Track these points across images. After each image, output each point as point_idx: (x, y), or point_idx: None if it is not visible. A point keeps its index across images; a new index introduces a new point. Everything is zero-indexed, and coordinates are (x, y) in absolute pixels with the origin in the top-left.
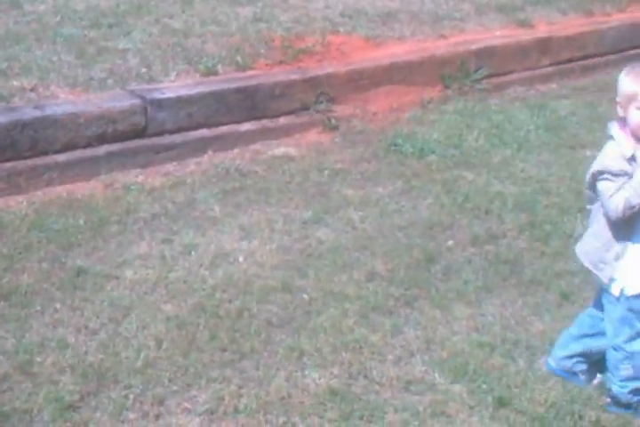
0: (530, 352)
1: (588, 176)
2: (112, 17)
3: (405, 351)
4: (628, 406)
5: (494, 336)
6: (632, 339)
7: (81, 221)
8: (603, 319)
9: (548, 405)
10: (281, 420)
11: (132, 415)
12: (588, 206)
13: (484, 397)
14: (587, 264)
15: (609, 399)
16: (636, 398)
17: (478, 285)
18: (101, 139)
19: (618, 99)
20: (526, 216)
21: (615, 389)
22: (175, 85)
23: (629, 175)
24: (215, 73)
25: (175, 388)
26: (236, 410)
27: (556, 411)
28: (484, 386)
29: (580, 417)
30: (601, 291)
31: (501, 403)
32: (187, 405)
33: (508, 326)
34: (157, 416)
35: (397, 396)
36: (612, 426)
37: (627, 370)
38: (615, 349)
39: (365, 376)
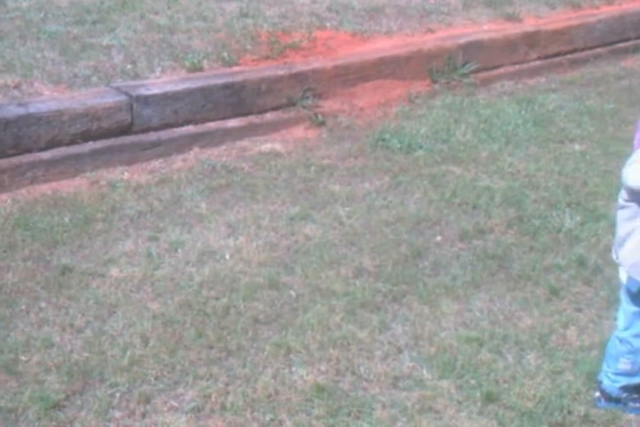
0: (518, 347)
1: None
2: (96, 13)
3: (393, 347)
4: (617, 400)
5: (482, 331)
6: None
7: (66, 219)
8: None
9: (536, 400)
10: (268, 417)
11: (117, 414)
12: (622, 202)
13: (473, 392)
14: (633, 275)
15: (598, 393)
16: (625, 395)
17: (466, 280)
18: (86, 136)
19: None
20: (514, 211)
21: (606, 382)
22: (161, 82)
23: None
24: (201, 69)
25: (161, 386)
26: (223, 408)
27: (545, 406)
28: (473, 381)
29: (569, 412)
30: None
31: (490, 398)
32: (173, 403)
33: (497, 322)
34: (144, 415)
35: (385, 392)
36: (600, 421)
37: (625, 364)
38: (621, 341)
39: (353, 373)
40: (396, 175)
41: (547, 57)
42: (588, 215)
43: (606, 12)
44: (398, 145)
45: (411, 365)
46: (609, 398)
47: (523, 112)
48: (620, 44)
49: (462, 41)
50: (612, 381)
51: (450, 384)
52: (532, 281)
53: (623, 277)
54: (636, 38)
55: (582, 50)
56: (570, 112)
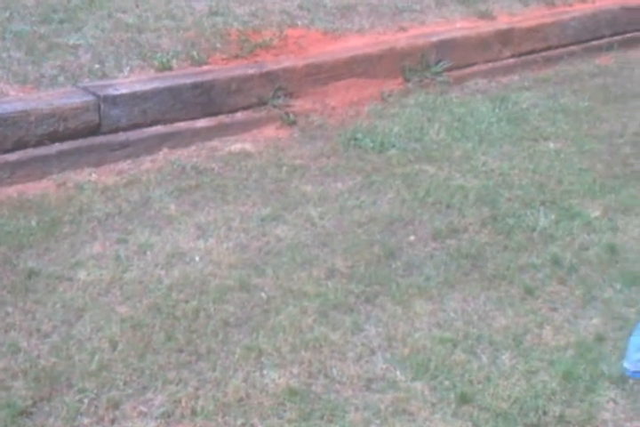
0: (493, 348)
1: None
2: (63, 12)
3: (366, 349)
4: None
5: (456, 332)
6: None
7: (33, 222)
8: None
9: (511, 400)
10: (239, 421)
11: (86, 420)
12: None
13: (447, 393)
14: None
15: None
16: None
17: (440, 280)
18: (53, 137)
19: None
20: (488, 210)
21: None
22: (129, 81)
23: None
24: (170, 68)
25: (130, 391)
26: (194, 412)
27: (520, 406)
28: (447, 382)
29: (545, 412)
30: None
31: (464, 399)
32: (142, 408)
33: (471, 322)
34: (112, 421)
35: (358, 394)
36: (576, 421)
37: None
38: None
39: (325, 375)
40: (368, 175)
41: (520, 55)
42: (563, 214)
43: (580, 9)
44: (371, 144)
45: (384, 366)
46: None
47: (496, 110)
48: (594, 42)
49: (435, 39)
50: None
51: (424, 386)
52: (507, 280)
53: None
54: (610, 36)
55: (556, 48)
56: (544, 110)
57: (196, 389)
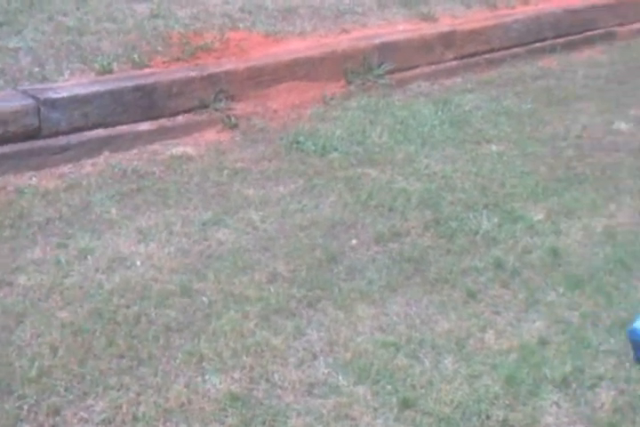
0: (435, 352)
1: None
2: (2, 15)
3: (308, 354)
4: None
5: (399, 336)
6: None
7: None
8: None
9: (454, 405)
10: None
11: None
12: None
13: (389, 398)
14: None
15: None
16: None
17: (382, 284)
18: None
19: None
20: (431, 213)
21: None
22: (69, 85)
23: None
24: (111, 71)
25: (71, 397)
26: (135, 418)
27: (463, 411)
28: (389, 387)
29: (488, 417)
30: None
31: (406, 404)
32: (83, 414)
33: (413, 326)
34: None
35: (300, 400)
36: (519, 425)
37: None
38: None
39: (267, 380)
40: (310, 178)
41: (463, 57)
42: (506, 217)
43: (522, 12)
44: (313, 147)
45: (326, 371)
46: None
47: (439, 113)
48: (537, 45)
49: (377, 41)
50: None
51: (366, 390)
52: (449, 284)
53: None
54: (553, 38)
55: (499, 50)
56: (486, 113)
57: (138, 394)
